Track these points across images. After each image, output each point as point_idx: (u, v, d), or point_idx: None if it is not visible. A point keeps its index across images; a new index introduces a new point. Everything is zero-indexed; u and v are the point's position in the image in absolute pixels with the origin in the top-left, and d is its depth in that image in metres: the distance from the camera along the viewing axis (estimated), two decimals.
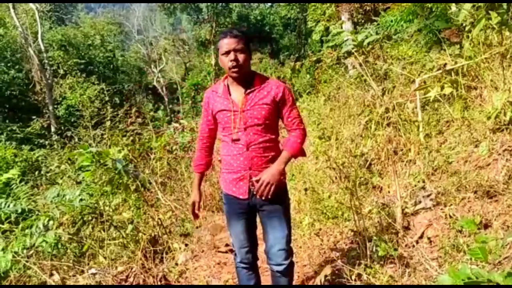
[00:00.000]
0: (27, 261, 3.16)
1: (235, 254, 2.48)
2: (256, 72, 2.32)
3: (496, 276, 1.58)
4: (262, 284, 2.65)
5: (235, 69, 2.15)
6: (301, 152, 2.35)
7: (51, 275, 3.12)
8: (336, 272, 3.00)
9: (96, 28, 24.25)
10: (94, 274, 3.05)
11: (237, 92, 2.25)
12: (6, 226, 3.51)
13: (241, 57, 2.14)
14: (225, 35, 2.17)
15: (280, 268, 2.31)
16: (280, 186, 2.28)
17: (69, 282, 3.08)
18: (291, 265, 2.36)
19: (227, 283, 3.25)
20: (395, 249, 2.67)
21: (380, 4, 10.14)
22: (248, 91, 2.22)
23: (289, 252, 2.33)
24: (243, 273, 2.49)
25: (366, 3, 10.48)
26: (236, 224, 2.38)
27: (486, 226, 2.65)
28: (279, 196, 2.28)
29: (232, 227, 2.42)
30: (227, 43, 2.14)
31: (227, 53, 2.14)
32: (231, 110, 2.22)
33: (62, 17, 26.00)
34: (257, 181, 2.18)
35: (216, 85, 2.36)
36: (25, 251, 3.22)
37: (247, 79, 2.24)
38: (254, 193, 2.22)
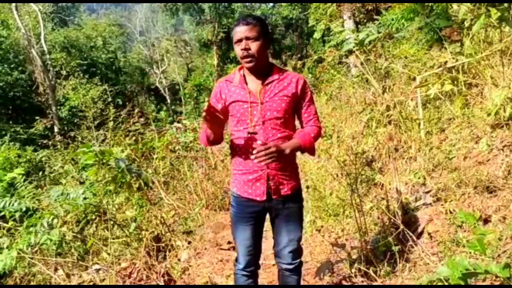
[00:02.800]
0: (31, 259, 3.20)
1: (237, 260, 2.31)
2: (274, 64, 2.14)
3: (493, 268, 1.60)
4: (262, 282, 2.64)
5: (247, 59, 1.98)
6: (311, 147, 2.12)
7: (56, 269, 3.16)
8: (337, 267, 3.03)
9: (98, 30, 24.41)
10: (97, 270, 3.09)
11: (254, 83, 2.07)
12: (10, 224, 3.55)
13: (253, 45, 1.96)
14: (238, 22, 2.00)
15: (290, 266, 2.25)
16: (298, 187, 2.19)
17: (73, 278, 3.12)
18: (300, 264, 2.29)
19: (230, 279, 3.27)
20: (396, 245, 2.69)
21: (382, 3, 10.14)
22: (267, 81, 2.04)
23: (299, 252, 2.26)
24: (243, 281, 2.33)
25: (367, 3, 10.48)
26: (245, 230, 2.20)
27: (485, 221, 2.67)
28: (296, 198, 2.19)
29: (239, 233, 2.23)
30: (239, 31, 1.98)
31: (239, 41, 1.98)
32: (248, 101, 2.03)
33: (64, 18, 26.12)
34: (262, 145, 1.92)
35: (230, 75, 2.16)
36: (29, 248, 3.25)
37: (264, 70, 2.07)
38: (271, 192, 2.08)
